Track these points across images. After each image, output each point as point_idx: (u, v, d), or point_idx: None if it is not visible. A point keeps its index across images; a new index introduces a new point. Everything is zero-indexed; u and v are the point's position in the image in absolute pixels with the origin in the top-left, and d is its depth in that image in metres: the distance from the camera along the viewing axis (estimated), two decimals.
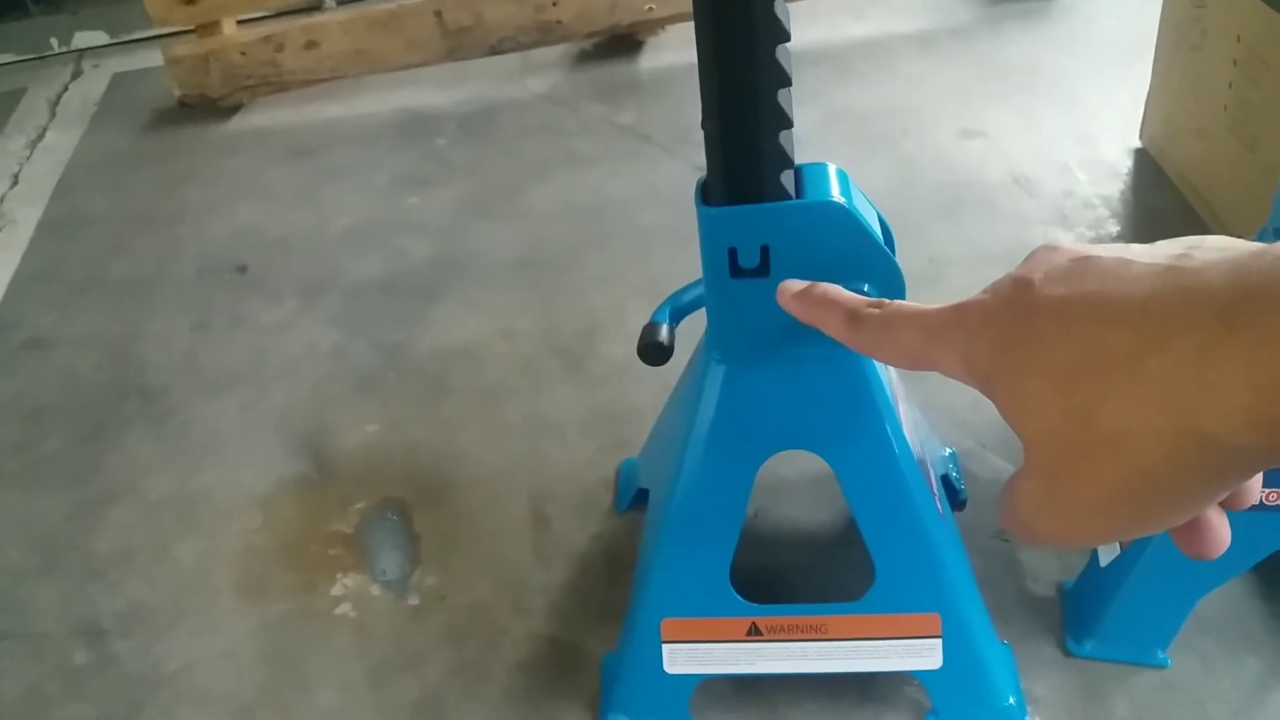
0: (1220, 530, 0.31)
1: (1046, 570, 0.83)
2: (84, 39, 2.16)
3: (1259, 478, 0.30)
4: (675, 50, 1.78)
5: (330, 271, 1.34)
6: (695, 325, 0.68)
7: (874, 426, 0.63)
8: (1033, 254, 0.32)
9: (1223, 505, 0.31)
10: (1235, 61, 1.08)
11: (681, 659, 0.72)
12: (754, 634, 0.70)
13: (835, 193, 0.55)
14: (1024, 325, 0.30)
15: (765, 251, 0.56)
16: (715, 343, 0.62)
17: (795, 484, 0.93)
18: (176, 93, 1.79)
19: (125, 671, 0.87)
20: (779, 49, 0.51)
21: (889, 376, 0.66)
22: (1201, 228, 1.17)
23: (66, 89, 2.01)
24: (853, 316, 0.39)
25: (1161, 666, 0.75)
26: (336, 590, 0.91)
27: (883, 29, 1.76)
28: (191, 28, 1.77)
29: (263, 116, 1.78)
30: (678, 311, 0.72)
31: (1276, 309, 0.24)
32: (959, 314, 0.33)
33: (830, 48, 1.71)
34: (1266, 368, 0.24)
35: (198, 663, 0.87)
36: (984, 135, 1.43)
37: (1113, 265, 0.29)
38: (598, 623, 0.84)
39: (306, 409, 1.12)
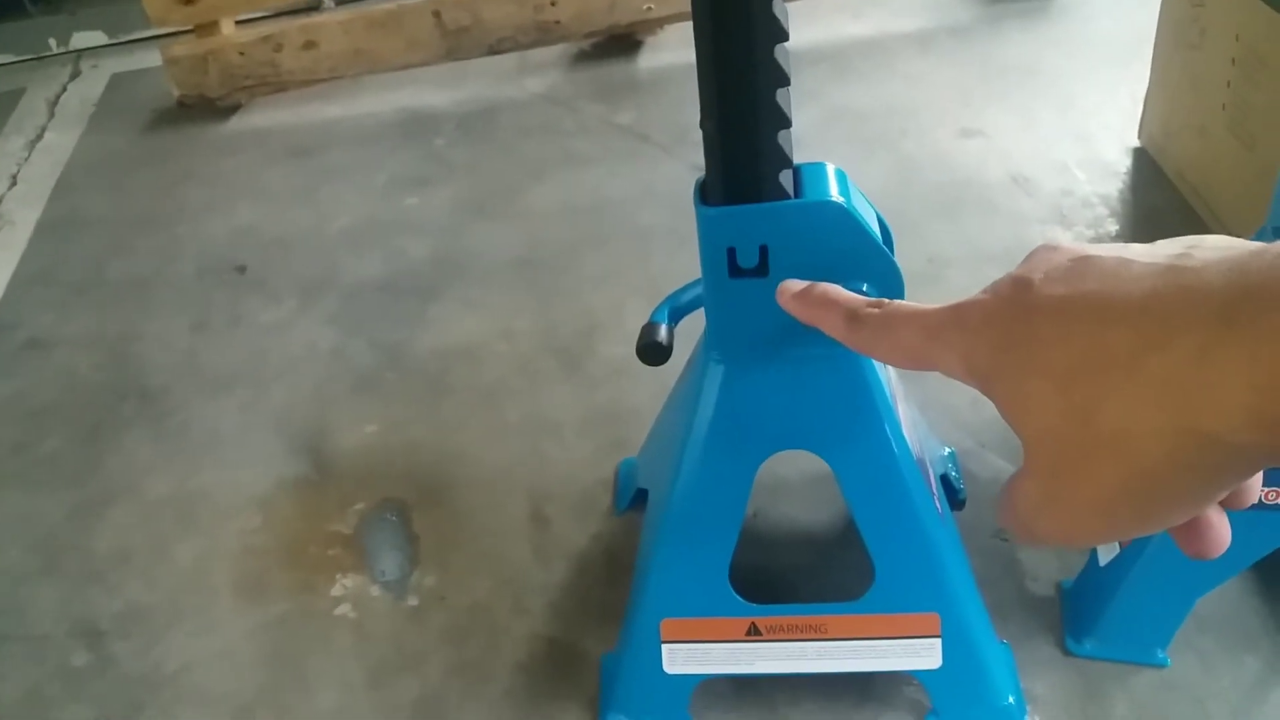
0: (1220, 529, 0.31)
1: (1046, 569, 0.83)
2: (82, 39, 2.16)
3: (1259, 477, 0.30)
4: (674, 50, 1.78)
5: (329, 271, 1.34)
6: (694, 325, 0.68)
7: (873, 426, 0.63)
8: (1032, 253, 0.32)
9: (1223, 504, 0.31)
10: (1234, 60, 1.08)
11: (681, 659, 0.72)
12: (753, 634, 0.70)
13: (834, 192, 0.55)
14: (1024, 325, 0.30)
15: (764, 251, 0.56)
16: (714, 343, 0.62)
17: (794, 484, 0.93)
18: (175, 93, 1.79)
19: (125, 672, 0.87)
20: (777, 48, 0.51)
21: (888, 376, 0.66)
22: (1200, 226, 1.17)
23: (65, 89, 2.01)
24: (852, 316, 0.39)
25: (1161, 665, 0.75)
26: (336, 591, 0.91)
27: (881, 28, 1.76)
28: (190, 28, 1.77)
29: (261, 116, 1.78)
30: (676, 311, 0.72)
31: (1276, 308, 0.24)
32: (958, 314, 0.33)
33: (829, 47, 1.71)
34: (1267, 366, 0.24)
35: (197, 663, 0.87)
36: (983, 134, 1.43)
37: (1113, 265, 0.29)
38: (597, 623, 0.84)
39: (306, 409, 1.12)
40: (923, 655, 0.70)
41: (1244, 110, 1.08)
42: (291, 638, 0.88)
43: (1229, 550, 0.32)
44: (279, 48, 1.73)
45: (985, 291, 0.33)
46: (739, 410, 0.64)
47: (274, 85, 1.78)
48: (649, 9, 1.69)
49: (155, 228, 1.50)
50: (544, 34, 1.71)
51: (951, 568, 0.68)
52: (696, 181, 0.58)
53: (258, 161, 1.64)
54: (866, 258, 0.56)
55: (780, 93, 0.53)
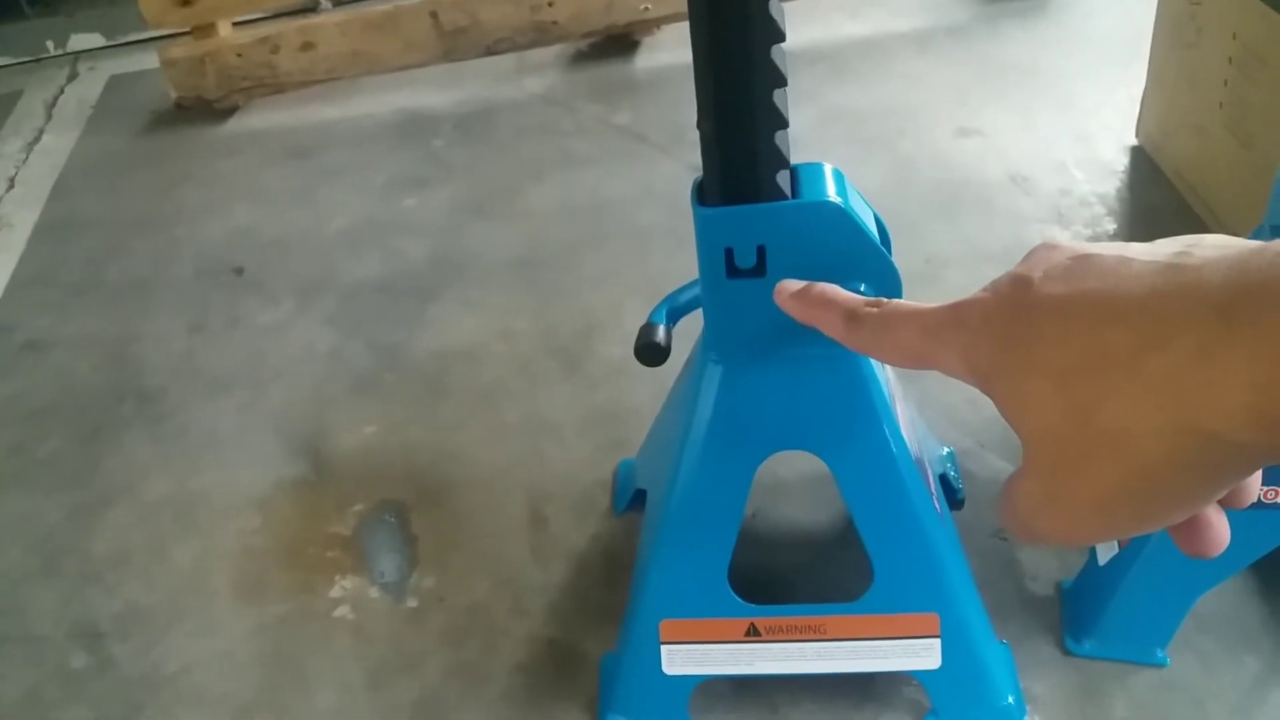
0: (1219, 528, 0.31)
1: (1045, 569, 0.83)
2: (80, 41, 2.15)
3: (1258, 476, 0.30)
4: (671, 50, 1.78)
5: (327, 272, 1.34)
6: (692, 325, 0.68)
7: (872, 427, 0.63)
8: (1031, 252, 0.32)
9: (1222, 503, 0.31)
10: (1231, 59, 1.08)
11: (680, 660, 0.72)
12: (753, 634, 0.70)
13: (831, 192, 0.55)
14: (1023, 324, 0.30)
15: (762, 252, 0.56)
16: (712, 343, 0.62)
17: (793, 484, 0.92)
18: (173, 95, 1.78)
19: (124, 673, 0.87)
20: (774, 49, 0.51)
21: (886, 376, 0.66)
22: (1198, 225, 1.17)
23: (62, 91, 2.00)
24: (851, 316, 0.39)
25: (1160, 665, 0.75)
26: (335, 592, 0.91)
27: (879, 28, 1.76)
28: (187, 30, 1.77)
29: (259, 118, 1.78)
30: (675, 312, 0.72)
31: (1276, 306, 0.24)
32: (957, 313, 0.33)
33: (826, 47, 1.71)
34: (1267, 365, 0.24)
35: (196, 664, 0.87)
36: (981, 134, 1.43)
37: (1112, 263, 0.29)
38: (596, 624, 0.84)
39: (304, 410, 1.12)
40: (922, 655, 0.70)
41: (1241, 109, 1.08)
42: (291, 639, 0.88)
43: (1228, 549, 0.32)
44: (276, 49, 1.73)
45: (984, 290, 0.32)
46: (737, 411, 0.63)
47: (271, 87, 1.77)
48: (646, 9, 1.69)
49: (153, 229, 1.50)
50: (541, 34, 1.71)
51: (950, 568, 0.68)
52: (694, 182, 0.58)
53: (255, 163, 1.64)
54: (864, 258, 0.56)
55: (777, 93, 0.52)
